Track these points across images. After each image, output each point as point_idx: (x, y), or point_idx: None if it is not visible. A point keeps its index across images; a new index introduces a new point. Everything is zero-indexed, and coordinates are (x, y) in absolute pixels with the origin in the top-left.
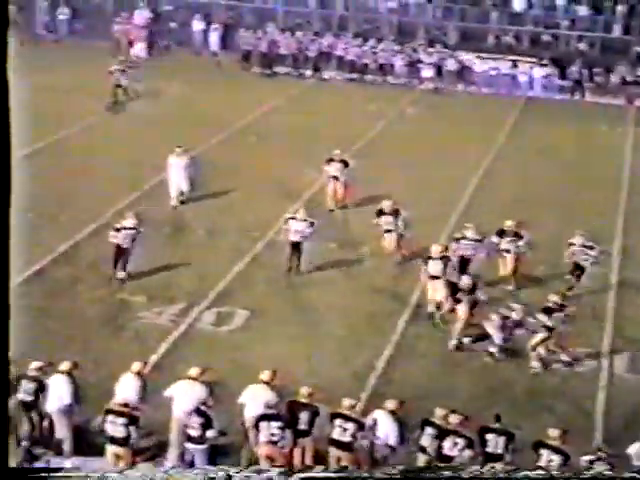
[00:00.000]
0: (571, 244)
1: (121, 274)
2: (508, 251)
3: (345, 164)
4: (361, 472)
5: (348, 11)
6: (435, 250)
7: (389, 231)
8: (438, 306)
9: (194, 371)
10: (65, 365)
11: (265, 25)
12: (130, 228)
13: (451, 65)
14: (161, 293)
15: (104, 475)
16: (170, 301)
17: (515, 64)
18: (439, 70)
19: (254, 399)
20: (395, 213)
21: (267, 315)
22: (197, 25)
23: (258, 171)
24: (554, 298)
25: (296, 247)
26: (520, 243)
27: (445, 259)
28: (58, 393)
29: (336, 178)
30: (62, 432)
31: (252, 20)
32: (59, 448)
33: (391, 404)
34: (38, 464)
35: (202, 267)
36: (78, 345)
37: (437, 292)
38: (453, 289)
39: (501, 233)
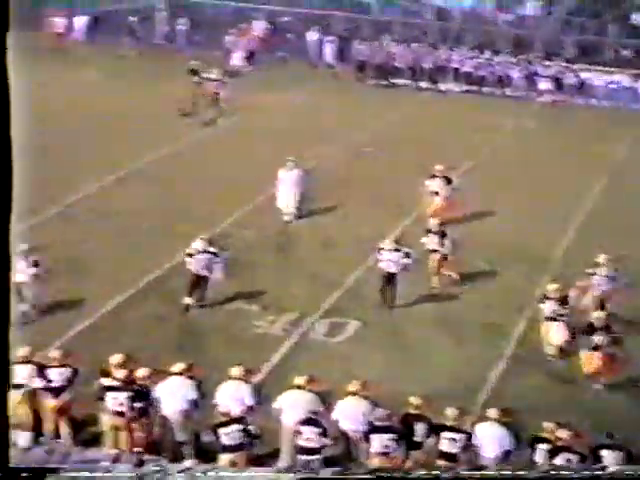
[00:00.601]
0: None
1: (188, 299)
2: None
3: (448, 181)
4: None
5: (465, 23)
6: (552, 289)
7: (434, 251)
8: (560, 349)
9: (301, 380)
10: (179, 367)
11: (381, 37)
12: (202, 252)
13: (569, 78)
14: (275, 303)
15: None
16: (283, 311)
17: (636, 78)
18: (558, 83)
19: (349, 412)
20: (442, 233)
21: (379, 326)
22: (313, 36)
23: (372, 183)
24: None
25: (390, 278)
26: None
27: (564, 300)
28: (178, 394)
29: (437, 194)
30: (182, 435)
31: (368, 32)
32: (174, 453)
33: (495, 413)
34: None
35: (315, 278)
36: (193, 353)
37: (555, 335)
38: (582, 329)
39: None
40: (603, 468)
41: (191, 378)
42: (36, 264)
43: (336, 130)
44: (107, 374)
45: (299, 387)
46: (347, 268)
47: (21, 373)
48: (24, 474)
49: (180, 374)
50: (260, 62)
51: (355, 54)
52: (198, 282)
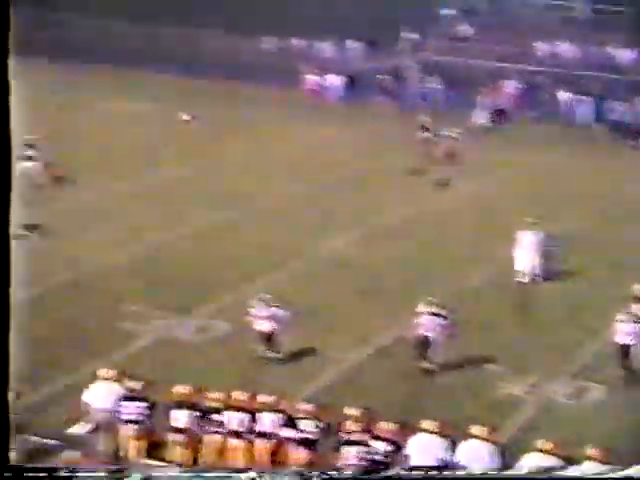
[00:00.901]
0: None
1: (426, 364)
2: None
3: None
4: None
5: None
6: None
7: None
8: None
9: (546, 444)
10: (430, 424)
11: (636, 97)
12: (429, 314)
13: None
14: (516, 364)
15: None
16: (526, 372)
17: None
18: None
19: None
20: None
21: (623, 392)
22: (565, 96)
23: (615, 248)
24: None
25: (626, 348)
26: None
27: None
28: (431, 452)
29: None
30: None
31: (623, 92)
32: None
33: None
34: None
35: (557, 341)
36: (435, 411)
37: None
38: None
39: None
40: None
41: (444, 437)
42: (278, 308)
43: (583, 193)
44: (341, 427)
45: (542, 451)
46: (589, 333)
47: (267, 421)
48: (25, 474)
49: (432, 432)
50: (511, 121)
51: (610, 114)
52: (425, 343)
